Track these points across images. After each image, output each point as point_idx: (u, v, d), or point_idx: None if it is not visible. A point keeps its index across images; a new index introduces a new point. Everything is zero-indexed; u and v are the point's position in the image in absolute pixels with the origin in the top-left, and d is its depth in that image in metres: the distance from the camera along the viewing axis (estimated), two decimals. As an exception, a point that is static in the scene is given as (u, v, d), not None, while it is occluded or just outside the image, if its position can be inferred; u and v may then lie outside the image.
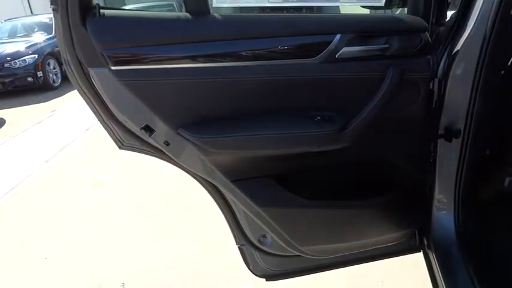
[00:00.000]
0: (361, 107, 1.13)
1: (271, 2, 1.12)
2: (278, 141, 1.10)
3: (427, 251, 1.40)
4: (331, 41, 1.09)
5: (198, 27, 1.03)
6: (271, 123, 1.10)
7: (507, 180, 1.37)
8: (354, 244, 1.34)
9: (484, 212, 1.39)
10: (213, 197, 1.24)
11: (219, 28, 1.05)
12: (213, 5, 1.14)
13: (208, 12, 1.04)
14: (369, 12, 1.40)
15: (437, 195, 1.33)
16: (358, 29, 1.12)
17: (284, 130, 1.10)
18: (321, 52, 1.09)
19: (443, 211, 1.34)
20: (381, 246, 1.38)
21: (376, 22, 1.17)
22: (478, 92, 1.17)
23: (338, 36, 1.09)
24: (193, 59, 1.05)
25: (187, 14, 1.04)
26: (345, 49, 1.10)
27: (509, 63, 1.33)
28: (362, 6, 1.30)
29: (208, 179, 1.16)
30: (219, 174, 1.12)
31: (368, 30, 1.13)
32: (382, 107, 1.12)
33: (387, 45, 1.11)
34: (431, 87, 1.21)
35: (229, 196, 1.19)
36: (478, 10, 1.12)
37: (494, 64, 1.15)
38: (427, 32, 1.14)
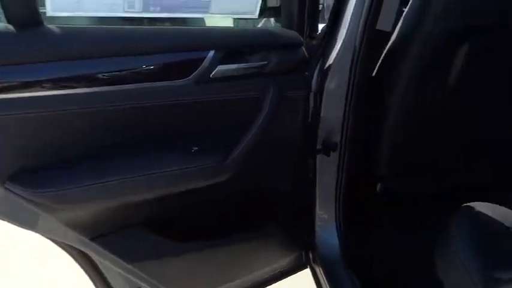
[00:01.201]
0: (242, 131, 1.01)
1: (127, 12, 0.91)
2: (145, 184, 0.91)
3: (314, 266, 1.37)
4: (204, 59, 0.94)
5: (26, 44, 0.77)
6: (137, 162, 0.90)
7: (379, 186, 1.43)
8: (242, 281, 1.24)
9: (366, 222, 1.43)
10: (69, 253, 0.98)
11: (57, 44, 0.80)
12: (48, 14, 0.87)
13: (40, 23, 0.78)
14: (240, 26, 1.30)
15: (319, 211, 1.31)
16: (234, 44, 1.00)
17: (153, 169, 0.91)
18: (193, 71, 0.94)
19: (326, 227, 1.33)
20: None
21: (253, 36, 1.06)
22: (351, 104, 1.17)
23: (211, 52, 0.95)
24: (23, 85, 0.78)
25: (10, 26, 0.77)
26: (220, 67, 0.96)
27: (374, 74, 1.37)
28: (235, 19, 1.19)
29: (60, 240, 0.90)
30: (74, 233, 0.87)
31: (244, 45, 1.01)
32: (264, 129, 1.02)
33: (265, 62, 1.02)
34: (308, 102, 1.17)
35: (91, 253, 0.95)
36: (347, 24, 1.10)
37: (364, 77, 1.16)
38: (303, 47, 1.09)
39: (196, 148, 0.95)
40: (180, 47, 0.94)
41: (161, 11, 0.94)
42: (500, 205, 1.03)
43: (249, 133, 1.01)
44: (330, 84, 1.15)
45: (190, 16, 1.03)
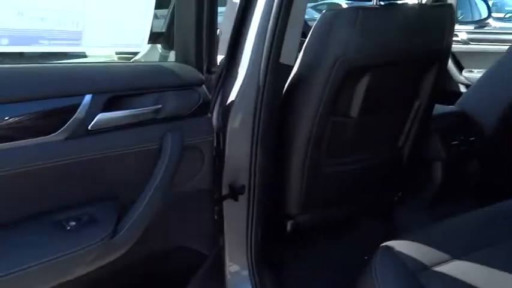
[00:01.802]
0: (136, 192, 0.82)
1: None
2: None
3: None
4: (79, 106, 0.73)
5: None
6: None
7: (289, 224, 1.35)
8: None
9: (279, 264, 1.33)
10: None
11: None
12: None
13: None
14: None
15: (229, 263, 1.17)
16: (118, 85, 0.79)
17: (14, 266, 0.65)
18: (65, 124, 0.72)
19: (238, 277, 1.19)
20: None
21: (143, 75, 0.87)
22: (258, 142, 1.06)
23: (88, 97, 0.73)
24: None
25: None
26: (101, 116, 0.75)
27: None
28: (117, 53, 0.99)
29: None
30: None
31: (132, 86, 0.82)
32: (165, 185, 0.84)
33: (160, 106, 0.84)
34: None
35: None
36: (249, 58, 1.00)
37: (270, 113, 1.06)
38: (203, 86, 0.94)
39: (74, 223, 0.72)
40: (44, 91, 0.71)
41: (10, 44, 0.70)
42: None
43: (146, 193, 0.81)
44: (234, 122, 1.04)
45: (54, 50, 0.79)
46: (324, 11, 1.07)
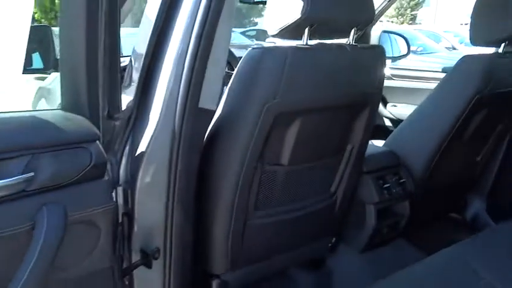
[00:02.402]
0: None
1: None
2: None
3: None
4: None
5: None
6: None
7: (214, 284, 1.18)
8: None
9: None
10: None
11: None
12: None
13: None
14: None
15: None
16: None
17: None
18: None
19: None
20: None
21: (5, 131, 0.66)
22: (174, 199, 0.90)
23: None
24: None
25: None
26: None
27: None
28: None
29: None
30: None
31: None
32: (38, 277, 0.63)
33: (31, 174, 0.64)
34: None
35: None
36: (162, 99, 0.84)
37: (188, 164, 0.91)
38: (98, 142, 0.75)
39: None
40: None
41: None
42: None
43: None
44: (145, 176, 0.87)
45: None
46: (250, 48, 0.95)
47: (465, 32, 10.42)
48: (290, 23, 0.92)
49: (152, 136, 0.84)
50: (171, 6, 0.83)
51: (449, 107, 1.40)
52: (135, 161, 0.86)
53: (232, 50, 1.60)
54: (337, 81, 1.02)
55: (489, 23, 1.34)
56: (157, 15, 0.83)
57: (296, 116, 1.01)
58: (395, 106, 2.31)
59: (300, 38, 0.97)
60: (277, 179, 1.10)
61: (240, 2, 1.78)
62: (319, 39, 1.03)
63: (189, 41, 0.81)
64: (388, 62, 2.42)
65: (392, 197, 1.41)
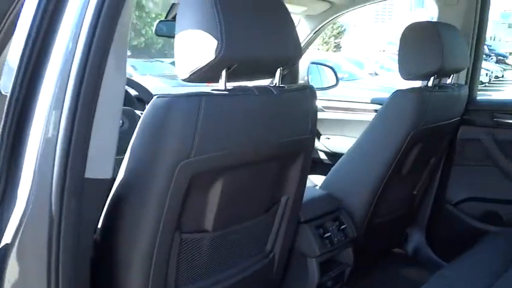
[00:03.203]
0: None
1: None
2: None
3: None
4: None
5: None
6: None
7: None
8: None
9: None
10: None
11: None
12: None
13: None
14: None
15: None
16: None
17: None
18: None
19: None
20: None
21: None
22: None
23: None
24: None
25: None
26: None
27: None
28: None
29: None
30: None
31: None
32: None
33: None
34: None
35: None
36: (32, 175, 0.63)
37: (75, 256, 0.69)
38: None
39: None
40: None
41: None
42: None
43: None
44: (12, 275, 0.63)
45: None
46: (155, 97, 0.77)
47: (384, 59, 11.19)
48: (203, 66, 0.75)
49: (20, 222, 0.62)
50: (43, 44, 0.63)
51: (386, 144, 1.33)
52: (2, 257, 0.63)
53: (164, 80, 1.41)
54: (263, 130, 0.86)
55: (417, 57, 1.31)
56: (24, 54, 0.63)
57: (217, 174, 0.84)
58: (328, 139, 2.24)
59: (217, 80, 0.81)
60: (201, 248, 0.91)
61: (157, 35, 1.60)
62: (241, 81, 0.88)
63: (68, 79, 0.61)
64: (319, 93, 2.36)
65: (334, 247, 1.28)
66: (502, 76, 14.45)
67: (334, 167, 1.49)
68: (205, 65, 0.75)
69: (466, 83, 1.69)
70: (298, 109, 0.95)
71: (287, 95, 0.91)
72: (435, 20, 1.67)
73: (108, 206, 0.79)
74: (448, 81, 1.47)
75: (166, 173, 0.75)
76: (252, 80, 0.92)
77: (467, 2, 1.60)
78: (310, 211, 1.28)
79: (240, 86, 0.85)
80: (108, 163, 0.68)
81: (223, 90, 0.80)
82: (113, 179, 0.74)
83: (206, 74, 0.78)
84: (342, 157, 1.45)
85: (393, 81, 6.85)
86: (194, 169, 0.77)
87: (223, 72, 0.78)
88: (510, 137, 1.62)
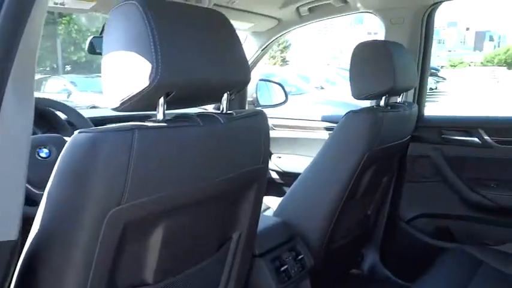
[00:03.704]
0: None
1: None
2: None
3: None
4: None
5: None
6: None
7: None
8: None
9: None
10: None
11: None
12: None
13: None
14: None
15: None
16: None
17: None
18: None
19: None
20: None
21: None
22: None
23: None
24: None
25: None
26: None
27: None
28: None
29: None
30: None
31: None
32: None
33: None
34: None
35: None
36: None
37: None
38: None
39: None
40: None
41: None
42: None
43: None
44: None
45: None
46: (76, 132, 0.63)
47: (329, 73, 11.52)
48: (135, 94, 0.64)
49: None
50: None
51: (341, 168, 1.27)
52: None
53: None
54: (209, 166, 0.75)
55: (369, 77, 1.27)
56: None
57: (156, 220, 0.71)
58: (280, 158, 2.17)
59: (154, 109, 0.69)
60: None
61: (89, 52, 1.45)
62: (183, 108, 0.77)
63: None
64: (269, 111, 2.30)
65: (292, 280, 1.19)
66: (436, 88, 15.46)
67: (288, 191, 1.41)
68: (138, 93, 0.63)
69: (414, 100, 1.69)
70: (248, 138, 0.85)
71: (236, 123, 0.80)
72: (378, 36, 1.66)
73: (20, 270, 0.64)
74: (399, 99, 1.45)
75: (92, 225, 0.62)
76: (196, 107, 0.81)
77: (413, 21, 1.61)
78: (265, 243, 1.18)
79: (181, 115, 0.73)
80: (10, 222, 0.53)
81: (161, 121, 0.68)
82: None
83: (140, 102, 0.66)
84: (296, 181, 1.38)
85: (338, 94, 7.04)
86: (127, 217, 0.65)
87: (161, 100, 0.67)
88: (457, 153, 1.64)
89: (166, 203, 0.70)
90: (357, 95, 1.29)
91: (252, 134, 0.86)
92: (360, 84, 1.28)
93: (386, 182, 1.61)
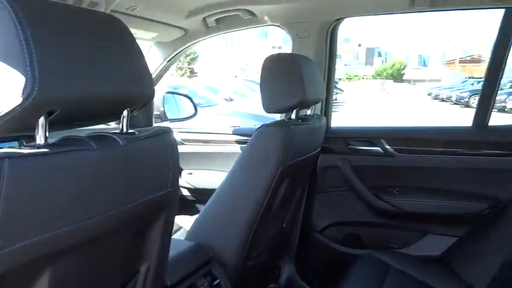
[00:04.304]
0: None
1: None
2: None
3: None
4: None
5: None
6: None
7: None
8: None
9: None
10: None
11: None
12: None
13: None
14: None
15: None
16: None
17: None
18: None
19: None
20: None
21: None
22: None
23: None
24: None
25: None
26: None
27: None
28: None
29: None
30: None
31: None
32: None
33: None
34: None
35: None
36: None
37: None
38: None
39: None
40: None
41: None
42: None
43: None
44: None
45: None
46: None
47: (237, 84, 11.69)
48: (4, 114, 0.51)
49: None
50: None
51: (255, 183, 1.22)
52: None
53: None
54: (105, 196, 0.64)
55: (280, 91, 1.25)
56: None
57: (42, 264, 0.58)
58: (191, 174, 2.07)
59: (32, 130, 0.56)
60: None
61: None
62: (72, 128, 0.65)
63: None
64: (178, 125, 2.19)
65: None
66: (336, 99, 16.64)
67: (201, 210, 1.32)
68: (8, 113, 0.50)
69: (322, 112, 1.73)
70: (154, 160, 0.75)
71: (138, 144, 0.70)
72: (282, 50, 1.68)
73: None
74: (308, 112, 1.46)
75: None
76: (90, 126, 0.69)
77: (318, 35, 1.65)
78: (178, 271, 1.08)
79: (70, 138, 0.61)
80: None
81: (42, 146, 0.55)
82: None
83: (13, 124, 0.53)
84: (210, 199, 1.30)
85: (247, 106, 7.14)
86: (5, 265, 0.51)
87: (41, 121, 0.55)
88: (363, 162, 1.71)
89: (52, 245, 0.57)
90: (268, 109, 1.26)
91: (158, 155, 0.76)
92: (270, 98, 1.26)
93: (299, 193, 1.62)
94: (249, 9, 1.63)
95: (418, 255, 1.65)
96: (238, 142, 1.95)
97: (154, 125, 2.05)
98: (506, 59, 1.57)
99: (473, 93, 14.17)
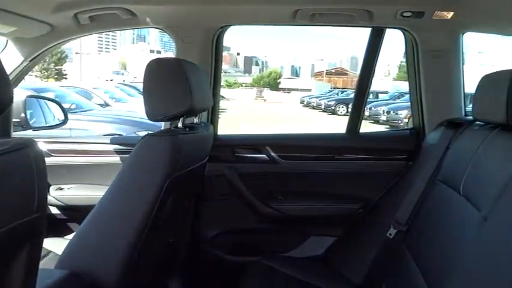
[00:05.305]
0: None
1: None
2: None
3: None
4: None
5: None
6: None
7: None
8: None
9: None
10: None
11: None
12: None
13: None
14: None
15: None
16: None
17: None
18: None
19: None
20: None
21: None
22: None
23: None
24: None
25: None
26: None
27: None
28: None
29: None
30: None
31: None
32: None
33: None
34: None
35: None
36: None
37: None
38: None
39: None
40: None
41: None
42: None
43: None
44: None
45: None
46: None
47: (113, 88, 10.97)
48: None
49: None
50: None
51: (141, 197, 1.11)
52: None
53: None
54: None
55: (165, 98, 1.16)
56: None
57: None
58: (61, 189, 1.82)
59: None
60: None
61: None
62: None
63: None
64: (44, 133, 1.92)
65: None
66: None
67: (76, 231, 1.16)
68: None
69: (208, 120, 1.69)
70: (12, 181, 0.61)
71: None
72: (162, 55, 1.60)
73: None
74: (195, 120, 1.41)
75: None
76: None
77: (204, 41, 1.61)
78: None
79: None
80: None
81: None
82: None
83: None
84: (85, 219, 1.14)
85: (126, 112, 6.73)
86: None
87: None
88: (250, 169, 1.72)
89: None
90: (153, 116, 1.16)
91: (19, 175, 0.62)
92: (155, 105, 1.16)
93: (187, 206, 1.54)
94: (128, 9, 1.51)
95: (303, 257, 1.72)
96: (117, 152, 1.78)
97: (14, 134, 1.76)
98: (374, 73, 1.74)
99: (339, 101, 15.98)
